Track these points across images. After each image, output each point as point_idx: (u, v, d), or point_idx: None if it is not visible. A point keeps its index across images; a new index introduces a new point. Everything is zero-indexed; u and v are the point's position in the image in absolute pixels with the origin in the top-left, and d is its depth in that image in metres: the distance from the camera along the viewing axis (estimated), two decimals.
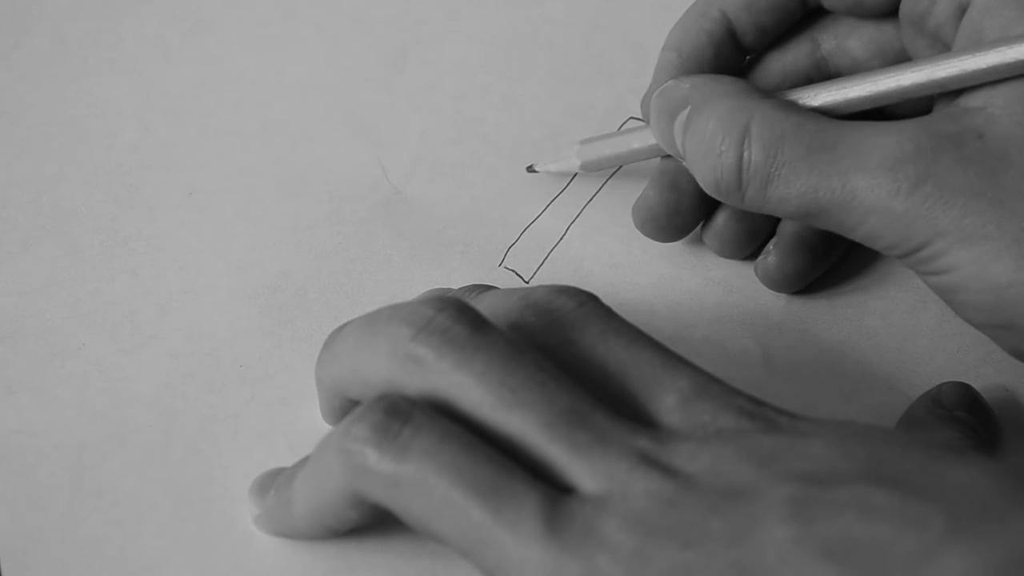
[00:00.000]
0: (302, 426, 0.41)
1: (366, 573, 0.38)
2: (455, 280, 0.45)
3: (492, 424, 0.34)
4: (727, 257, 0.46)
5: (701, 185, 0.42)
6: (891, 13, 0.43)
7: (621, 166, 0.48)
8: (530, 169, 0.48)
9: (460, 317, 0.35)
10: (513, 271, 0.46)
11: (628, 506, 0.32)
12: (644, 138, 0.45)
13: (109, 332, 0.44)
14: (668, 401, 0.35)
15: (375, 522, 0.37)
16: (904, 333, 0.45)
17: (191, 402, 0.42)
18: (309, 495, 0.36)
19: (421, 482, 0.33)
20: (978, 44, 0.39)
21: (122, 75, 0.50)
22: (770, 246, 0.45)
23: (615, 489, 0.32)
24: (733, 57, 0.45)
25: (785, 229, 0.45)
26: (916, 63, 0.40)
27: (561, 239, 0.47)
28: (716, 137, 0.40)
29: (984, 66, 0.39)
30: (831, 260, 0.46)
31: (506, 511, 0.32)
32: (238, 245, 0.46)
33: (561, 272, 0.46)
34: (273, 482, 0.38)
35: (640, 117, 0.50)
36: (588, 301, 0.37)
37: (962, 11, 0.40)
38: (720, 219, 0.45)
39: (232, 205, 0.47)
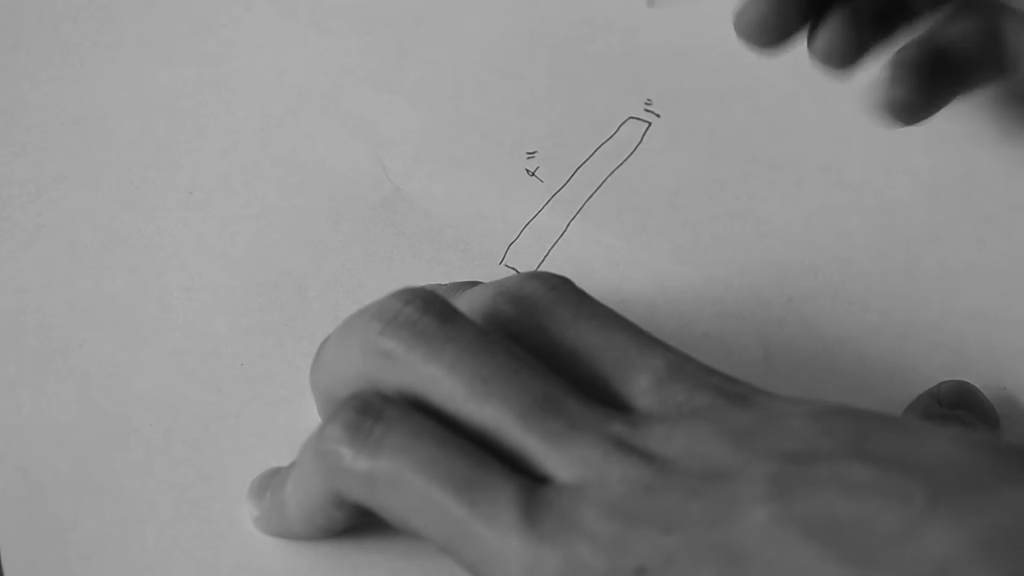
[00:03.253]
0: (303, 425, 0.41)
1: (368, 572, 0.38)
2: (455, 278, 0.45)
3: (466, 416, 0.34)
4: (834, 66, 0.45)
5: None
6: None
7: None
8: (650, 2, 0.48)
9: (428, 308, 0.35)
10: (514, 269, 0.46)
11: (605, 493, 0.32)
12: None
13: (110, 330, 0.43)
14: (642, 383, 0.34)
15: (365, 522, 0.37)
16: (905, 330, 0.45)
17: (192, 400, 0.42)
18: (299, 498, 0.36)
19: (396, 479, 0.33)
20: None
21: (122, 75, 0.50)
22: (888, 72, 0.45)
23: (591, 476, 0.32)
24: None
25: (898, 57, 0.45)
26: None
27: (561, 236, 0.47)
28: None
29: None
30: (948, 91, 0.45)
31: (482, 504, 0.32)
32: (238, 243, 0.46)
33: (561, 269, 0.46)
34: (270, 483, 0.39)
35: (638, 117, 0.50)
36: (560, 285, 0.37)
37: None
38: (827, 27, 0.45)
39: (232, 203, 0.47)
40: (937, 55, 0.45)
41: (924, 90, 0.45)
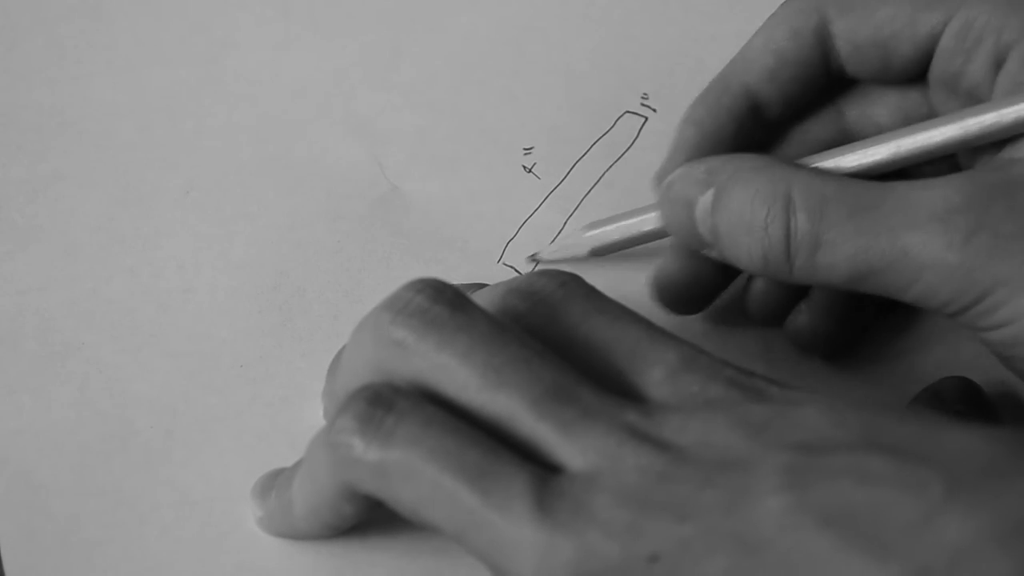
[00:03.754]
0: (304, 425, 0.41)
1: (370, 572, 0.38)
2: (454, 277, 0.45)
3: (478, 405, 0.34)
4: (766, 324, 0.44)
5: (742, 265, 0.40)
6: (918, 77, 0.42)
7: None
8: (533, 258, 0.46)
9: (439, 297, 0.35)
10: (512, 267, 0.46)
11: (619, 481, 0.32)
12: (654, 219, 0.43)
13: (108, 332, 0.43)
14: (655, 374, 0.34)
15: (373, 516, 0.37)
16: (903, 326, 0.45)
17: (192, 402, 0.42)
18: (307, 494, 0.36)
19: (408, 469, 0.33)
20: (1016, 93, 0.38)
21: (118, 75, 0.50)
22: (802, 305, 0.43)
23: (605, 465, 0.32)
24: (755, 132, 0.43)
25: (819, 292, 0.43)
26: (948, 117, 0.39)
27: (559, 233, 0.47)
28: (760, 211, 0.39)
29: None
30: (863, 324, 0.44)
31: (495, 493, 0.32)
32: (236, 243, 0.46)
33: (559, 267, 0.46)
34: (274, 483, 0.39)
35: (635, 111, 0.50)
36: (569, 281, 0.37)
37: (999, 66, 0.39)
38: (759, 284, 0.44)
39: (229, 203, 0.47)
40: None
41: (840, 323, 0.44)
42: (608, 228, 0.44)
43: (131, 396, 0.42)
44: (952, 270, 0.37)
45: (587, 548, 0.31)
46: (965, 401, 0.41)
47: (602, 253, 0.45)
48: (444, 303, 0.34)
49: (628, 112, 0.50)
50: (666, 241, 0.43)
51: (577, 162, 0.49)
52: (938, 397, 0.41)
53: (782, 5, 0.42)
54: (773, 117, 0.43)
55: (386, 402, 0.34)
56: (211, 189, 0.47)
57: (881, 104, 0.43)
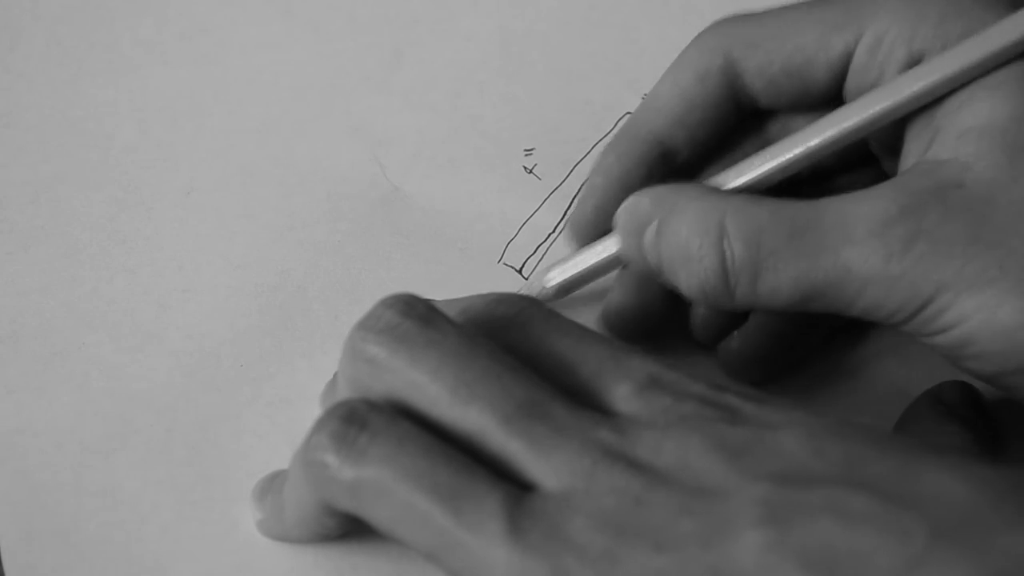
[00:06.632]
0: (304, 425, 0.40)
1: (370, 572, 0.38)
2: (454, 277, 0.45)
3: (450, 422, 0.34)
4: (712, 347, 0.44)
5: (686, 294, 0.40)
6: (833, 100, 0.41)
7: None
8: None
9: (409, 311, 0.35)
10: (512, 267, 0.46)
11: (594, 504, 0.32)
12: (602, 252, 0.43)
13: (109, 332, 0.43)
14: (621, 390, 0.34)
15: (358, 527, 0.37)
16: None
17: (192, 401, 0.42)
18: (293, 504, 0.37)
19: (381, 488, 0.33)
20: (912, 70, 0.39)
21: (119, 76, 0.50)
22: (735, 333, 0.43)
23: (579, 485, 0.32)
24: (667, 176, 0.42)
25: (753, 318, 0.43)
26: (838, 111, 0.40)
27: (559, 234, 0.47)
28: (692, 242, 0.39)
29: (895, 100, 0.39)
30: (799, 352, 0.44)
31: (468, 513, 0.32)
32: (237, 244, 0.46)
33: None
34: (271, 486, 0.39)
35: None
36: (528, 306, 0.36)
37: None
38: (701, 309, 0.43)
39: (230, 204, 0.47)
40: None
41: (773, 349, 0.43)
42: (566, 264, 0.43)
43: (131, 396, 0.42)
44: (894, 281, 0.37)
45: (561, 572, 0.31)
46: (965, 405, 0.40)
47: (569, 290, 0.44)
48: (414, 318, 0.34)
49: (629, 113, 0.50)
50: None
51: (578, 163, 0.49)
52: (938, 401, 0.40)
53: (686, 49, 0.42)
54: (683, 160, 0.43)
55: (360, 420, 0.34)
56: (212, 189, 0.47)
57: (802, 120, 0.42)
